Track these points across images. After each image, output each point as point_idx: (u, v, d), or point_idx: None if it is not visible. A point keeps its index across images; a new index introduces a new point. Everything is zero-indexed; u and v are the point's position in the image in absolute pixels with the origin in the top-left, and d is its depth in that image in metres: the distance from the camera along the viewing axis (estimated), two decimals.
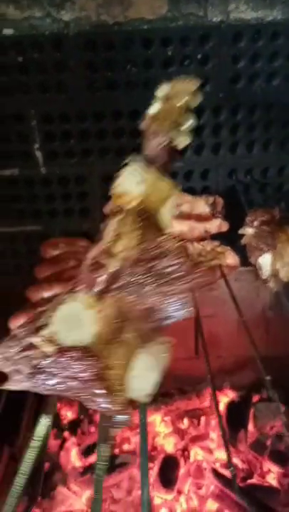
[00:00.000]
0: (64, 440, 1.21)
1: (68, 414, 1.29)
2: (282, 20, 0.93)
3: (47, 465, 1.16)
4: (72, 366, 0.55)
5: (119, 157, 1.04)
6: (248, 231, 0.79)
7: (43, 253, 1.02)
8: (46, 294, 0.84)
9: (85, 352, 0.56)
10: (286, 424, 0.59)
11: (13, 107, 0.97)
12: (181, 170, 1.06)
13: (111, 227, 0.67)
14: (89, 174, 1.05)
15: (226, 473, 1.11)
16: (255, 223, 0.79)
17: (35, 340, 0.57)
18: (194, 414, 1.27)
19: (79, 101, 0.96)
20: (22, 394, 1.23)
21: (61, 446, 1.20)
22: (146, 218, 0.69)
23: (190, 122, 0.76)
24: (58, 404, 1.31)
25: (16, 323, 0.75)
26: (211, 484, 1.09)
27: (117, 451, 1.19)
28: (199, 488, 1.11)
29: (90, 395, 0.56)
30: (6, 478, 1.07)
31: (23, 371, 0.59)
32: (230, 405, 1.28)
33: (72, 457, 1.17)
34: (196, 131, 1.02)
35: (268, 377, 0.62)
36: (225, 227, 0.92)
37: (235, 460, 1.16)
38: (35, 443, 0.60)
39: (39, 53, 0.91)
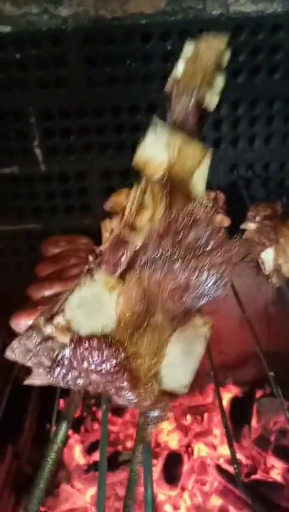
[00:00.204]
0: (67, 438, 1.21)
1: None
2: (282, 13, 0.92)
3: None
4: (91, 357, 0.49)
5: (119, 152, 1.04)
6: (250, 226, 0.79)
7: (44, 251, 1.02)
8: (47, 293, 0.84)
9: (105, 340, 0.50)
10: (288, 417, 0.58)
11: (12, 104, 0.96)
12: None
13: (134, 198, 0.59)
14: (89, 170, 1.05)
15: (230, 469, 1.11)
16: (258, 218, 0.79)
17: (48, 329, 0.51)
18: (197, 411, 1.27)
19: (78, 97, 0.95)
20: (25, 392, 1.23)
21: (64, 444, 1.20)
22: (175, 187, 0.61)
23: (220, 80, 0.69)
24: (61, 401, 1.31)
25: (17, 321, 0.74)
26: (214, 480, 1.09)
27: (120, 448, 1.19)
28: (203, 484, 1.11)
29: (115, 389, 0.50)
30: (9, 477, 1.07)
31: (45, 364, 0.53)
32: (234, 401, 1.27)
33: (76, 455, 1.17)
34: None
35: (271, 373, 0.61)
36: (227, 222, 0.92)
37: (239, 456, 1.16)
38: (55, 446, 0.58)
39: (37, 50, 0.91)
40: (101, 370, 0.49)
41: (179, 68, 0.70)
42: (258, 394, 1.27)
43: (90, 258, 0.87)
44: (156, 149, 0.64)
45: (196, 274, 0.53)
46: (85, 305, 0.51)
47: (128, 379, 0.49)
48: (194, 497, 1.08)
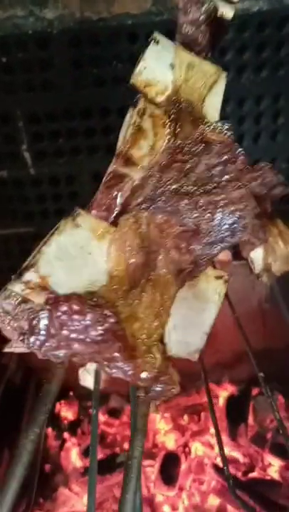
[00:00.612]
0: (64, 441, 1.21)
1: (68, 415, 1.29)
2: (268, 11, 0.92)
3: (47, 466, 1.16)
4: (71, 323, 0.38)
5: (109, 154, 1.03)
6: None
7: None
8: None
9: (88, 300, 0.39)
10: (279, 422, 0.58)
11: None
12: None
13: (129, 119, 0.47)
14: (79, 173, 1.04)
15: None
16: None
17: (16, 287, 0.40)
18: (194, 410, 1.27)
19: (65, 99, 0.95)
20: (20, 393, 1.22)
21: (61, 447, 1.20)
22: (181, 113, 0.49)
23: None
24: (58, 405, 1.31)
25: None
26: (212, 480, 1.09)
27: (117, 450, 1.19)
28: (201, 483, 1.11)
29: (105, 360, 0.40)
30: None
31: (25, 328, 0.43)
32: (230, 399, 1.27)
33: (73, 458, 1.17)
34: None
35: (261, 374, 0.61)
36: None
37: (236, 454, 1.16)
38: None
39: (23, 53, 0.90)
40: (85, 338, 0.38)
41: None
42: (254, 392, 1.27)
43: None
44: (160, 68, 0.53)
45: (208, 214, 0.42)
46: (65, 257, 0.41)
47: (121, 348, 0.39)
48: (192, 497, 1.08)
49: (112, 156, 1.02)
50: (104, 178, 0.49)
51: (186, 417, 1.26)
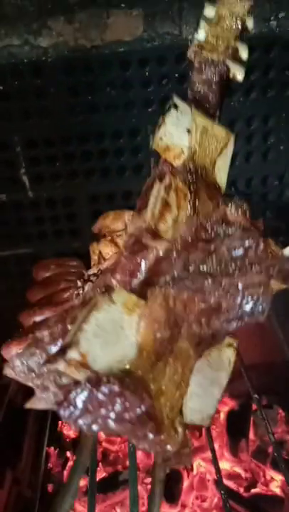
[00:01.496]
0: (67, 459, 1.21)
1: (70, 433, 1.29)
2: (256, 35, 0.95)
3: (50, 486, 1.16)
4: (110, 404, 0.39)
5: (105, 177, 1.07)
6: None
7: (35, 275, 1.03)
8: (38, 318, 0.85)
9: (128, 383, 0.39)
10: (275, 444, 0.59)
11: None
12: None
13: (157, 194, 0.48)
14: (76, 195, 1.07)
15: (229, 484, 1.11)
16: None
17: (61, 365, 0.40)
18: (195, 426, 1.27)
19: (61, 125, 0.98)
20: (22, 414, 1.23)
21: (64, 466, 1.20)
22: (198, 178, 0.52)
23: (244, 50, 0.62)
24: (60, 423, 1.31)
25: (8, 351, 0.75)
26: (214, 496, 1.09)
27: (120, 467, 1.19)
28: (203, 500, 1.11)
29: (138, 438, 0.40)
30: (9, 502, 1.07)
31: (50, 388, 0.44)
32: (230, 414, 1.28)
33: None
34: None
35: (256, 396, 0.62)
36: None
37: (238, 469, 1.16)
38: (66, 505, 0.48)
39: (19, 81, 0.93)
40: (122, 418, 0.39)
41: (201, 33, 0.62)
42: (255, 406, 1.27)
43: (79, 283, 0.88)
44: (177, 133, 0.56)
45: (229, 295, 0.44)
46: (101, 333, 0.41)
47: (153, 428, 0.39)
48: None
49: (108, 179, 1.05)
50: (126, 241, 0.49)
51: (187, 432, 1.26)
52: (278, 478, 1.14)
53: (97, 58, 0.93)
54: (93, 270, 0.92)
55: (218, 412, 1.29)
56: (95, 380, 0.39)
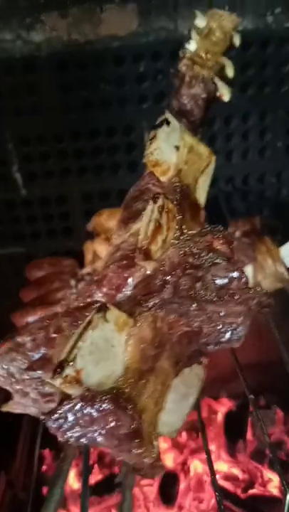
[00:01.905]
0: (63, 496, 1.20)
1: None
2: (252, 30, 0.93)
3: (45, 489, 1.15)
4: (103, 422, 0.39)
5: (98, 175, 1.05)
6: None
7: (28, 275, 1.02)
8: (31, 319, 0.83)
9: (122, 401, 0.40)
10: (270, 446, 0.57)
11: None
12: None
13: (150, 214, 0.49)
14: (69, 194, 1.05)
15: (226, 485, 1.10)
16: (237, 234, 0.79)
17: (57, 382, 0.41)
18: (192, 427, 1.26)
19: (55, 121, 0.96)
20: (16, 417, 1.21)
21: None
22: (184, 197, 0.54)
23: (231, 65, 0.64)
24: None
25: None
26: (211, 498, 1.08)
27: (116, 469, 1.18)
28: (200, 502, 1.09)
29: (122, 452, 0.41)
30: (3, 505, 1.05)
31: (31, 396, 0.46)
32: (228, 415, 1.27)
33: (71, 479, 1.16)
34: None
35: (251, 396, 0.60)
36: None
37: (236, 471, 1.15)
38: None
39: (12, 76, 0.91)
40: (112, 435, 0.40)
41: (192, 44, 0.64)
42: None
43: (73, 282, 0.87)
44: (166, 150, 0.57)
45: (212, 322, 0.46)
46: (95, 351, 0.42)
47: (138, 444, 0.41)
48: None
49: (102, 177, 1.03)
50: (113, 253, 0.50)
51: (184, 434, 1.25)
52: (276, 479, 1.13)
53: (91, 53, 0.91)
54: (87, 269, 0.90)
55: (215, 412, 1.28)
56: (90, 398, 0.39)
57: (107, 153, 1.01)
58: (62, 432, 0.41)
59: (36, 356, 0.46)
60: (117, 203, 1.05)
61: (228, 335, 0.46)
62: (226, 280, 0.47)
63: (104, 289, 0.48)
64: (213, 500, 1.08)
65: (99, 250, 0.93)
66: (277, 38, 0.95)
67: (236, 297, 0.46)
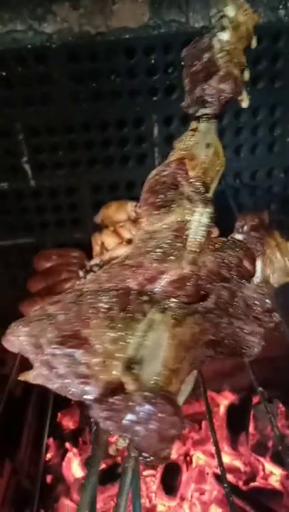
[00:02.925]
0: (66, 451, 1.21)
1: (69, 424, 1.29)
2: (264, 24, 0.93)
3: (49, 477, 1.16)
4: (147, 422, 0.40)
5: (108, 167, 1.05)
6: (238, 237, 0.79)
7: (36, 265, 1.02)
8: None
9: (172, 400, 0.41)
10: (279, 437, 0.58)
11: None
12: None
13: (204, 223, 0.52)
14: (78, 185, 1.06)
15: (228, 477, 1.11)
16: (245, 228, 0.79)
17: (130, 386, 0.41)
18: (194, 419, 1.27)
19: (65, 113, 0.96)
20: (21, 406, 1.22)
21: (63, 457, 1.20)
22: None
23: (248, 69, 0.66)
24: (59, 414, 1.31)
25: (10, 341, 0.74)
26: (213, 489, 1.09)
27: (119, 459, 1.19)
28: (202, 493, 1.10)
29: (147, 446, 0.42)
30: (8, 493, 1.07)
31: (58, 371, 0.44)
32: (230, 408, 1.27)
33: (74, 468, 1.17)
34: None
35: (260, 389, 0.61)
36: (215, 232, 0.92)
37: (237, 463, 1.16)
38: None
39: (23, 67, 0.91)
40: (159, 433, 0.41)
41: (226, 35, 0.65)
42: (255, 400, 1.27)
43: (81, 273, 0.88)
44: (200, 145, 0.59)
45: (235, 336, 0.49)
46: (152, 349, 0.43)
47: (169, 446, 0.43)
48: (194, 507, 1.08)
49: (111, 169, 1.04)
50: (145, 240, 0.53)
51: (186, 425, 1.26)
52: (277, 472, 1.13)
53: (102, 45, 0.91)
54: (95, 261, 0.91)
55: (218, 405, 1.29)
56: (145, 397, 0.40)
57: (116, 145, 1.01)
58: (109, 422, 0.42)
59: (68, 332, 0.45)
60: (125, 195, 1.06)
61: (244, 351, 0.49)
62: (254, 301, 0.50)
63: (140, 278, 0.48)
64: (216, 492, 1.09)
65: (107, 242, 0.93)
66: None
67: (260, 318, 0.49)
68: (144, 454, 0.43)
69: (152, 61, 0.93)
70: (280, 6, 0.94)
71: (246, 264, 0.52)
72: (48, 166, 1.02)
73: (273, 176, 1.09)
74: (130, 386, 0.41)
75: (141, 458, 0.43)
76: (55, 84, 0.93)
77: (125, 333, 0.44)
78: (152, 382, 0.42)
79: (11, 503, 1.05)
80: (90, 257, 0.98)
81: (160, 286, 0.48)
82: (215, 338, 0.48)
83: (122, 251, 0.89)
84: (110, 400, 0.41)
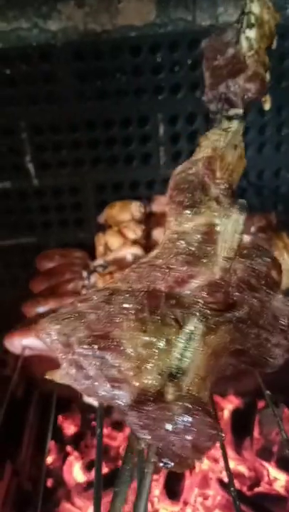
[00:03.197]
0: (67, 454, 1.20)
1: (71, 428, 1.28)
2: None
3: (50, 481, 1.14)
4: (193, 431, 0.40)
5: (112, 166, 1.04)
6: (245, 238, 0.78)
7: (39, 266, 1.01)
8: (41, 309, 0.83)
9: (210, 412, 0.41)
10: (286, 441, 0.57)
11: (3, 120, 0.96)
12: None
13: (240, 230, 0.52)
14: (82, 184, 1.04)
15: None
16: (252, 229, 0.78)
17: (169, 395, 0.41)
18: None
19: (69, 111, 0.95)
20: (23, 407, 1.21)
21: (64, 461, 1.18)
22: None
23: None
24: (60, 417, 1.30)
25: (11, 341, 0.73)
26: (217, 494, 1.07)
27: (120, 463, 1.17)
28: (206, 498, 1.09)
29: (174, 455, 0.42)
30: (9, 494, 1.05)
31: (89, 373, 0.44)
32: (235, 412, 1.26)
33: (76, 472, 1.16)
34: (189, 138, 1.01)
35: (268, 392, 0.60)
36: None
37: (242, 468, 1.14)
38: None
39: (27, 65, 0.91)
40: (191, 441, 0.41)
41: (253, 33, 0.63)
42: (260, 405, 1.25)
43: (84, 273, 0.86)
44: (229, 147, 0.59)
45: (261, 347, 0.49)
46: (192, 360, 0.44)
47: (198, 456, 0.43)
48: None
49: (115, 168, 1.03)
50: (173, 240, 0.51)
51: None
52: (282, 477, 1.11)
53: (107, 43, 0.90)
54: (99, 261, 0.90)
55: (222, 409, 1.27)
56: (186, 409, 0.40)
57: (121, 144, 1.00)
58: (145, 430, 0.41)
59: (99, 332, 0.45)
60: (129, 195, 1.05)
61: (268, 362, 0.49)
62: (282, 313, 0.49)
63: (169, 281, 0.48)
64: (219, 497, 1.07)
65: (111, 242, 0.92)
66: None
67: (286, 331, 0.49)
68: (165, 460, 0.42)
69: (158, 59, 0.92)
70: (287, 6, 0.93)
71: (274, 274, 0.51)
72: (52, 165, 1.01)
73: (280, 176, 1.08)
74: (170, 396, 0.41)
75: (161, 464, 0.43)
76: (60, 82, 0.92)
77: (158, 338, 0.43)
78: (188, 390, 0.41)
79: (12, 505, 1.04)
80: (93, 257, 0.97)
81: (189, 290, 0.47)
82: (242, 348, 0.47)
83: (126, 251, 0.88)
84: (147, 407, 0.41)
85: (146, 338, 0.43)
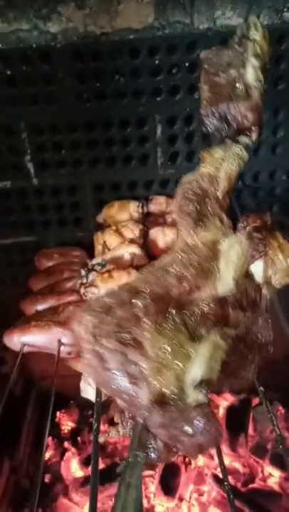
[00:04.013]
0: (64, 450, 1.21)
1: (68, 424, 1.29)
2: (268, 26, 0.93)
3: (48, 476, 1.16)
4: (206, 435, 0.44)
5: (110, 166, 1.05)
6: (240, 237, 0.79)
7: (38, 264, 1.03)
8: (40, 307, 0.85)
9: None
10: (280, 437, 0.58)
11: (3, 120, 0.97)
12: (172, 177, 1.06)
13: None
14: (81, 184, 1.06)
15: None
16: (247, 229, 0.79)
17: (189, 398, 0.45)
18: None
19: (68, 112, 0.96)
20: (21, 405, 1.22)
21: (61, 457, 1.20)
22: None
23: None
24: (58, 413, 1.31)
25: (10, 338, 0.75)
26: (212, 490, 1.09)
27: (117, 459, 1.19)
28: (201, 494, 1.10)
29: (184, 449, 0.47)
30: (6, 491, 1.07)
31: (110, 364, 0.47)
32: (230, 410, 1.27)
33: (73, 467, 1.17)
34: (186, 139, 1.02)
35: (261, 388, 0.61)
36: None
37: (236, 465, 1.16)
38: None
39: (27, 66, 0.92)
40: (199, 442, 0.45)
41: (257, 63, 0.67)
42: (255, 402, 1.27)
43: (83, 272, 0.88)
44: (234, 170, 0.66)
45: (241, 361, 0.54)
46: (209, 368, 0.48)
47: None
48: (192, 507, 1.08)
49: (114, 168, 1.04)
50: (185, 251, 0.60)
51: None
52: (276, 473, 1.13)
53: (106, 45, 0.91)
54: (97, 260, 0.91)
55: (217, 407, 1.29)
56: (206, 414, 0.45)
57: (119, 145, 1.01)
58: (161, 429, 0.45)
59: (125, 329, 0.48)
60: (128, 195, 1.06)
61: (241, 375, 0.54)
62: (261, 332, 0.56)
63: (182, 289, 0.53)
64: (214, 493, 1.09)
65: (109, 241, 0.94)
66: None
67: (261, 348, 0.56)
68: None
69: (156, 62, 0.93)
70: (285, 9, 0.94)
71: (257, 297, 0.58)
72: (51, 164, 1.02)
73: (276, 177, 1.09)
74: (190, 400, 0.44)
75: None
76: (60, 83, 0.93)
77: (175, 343, 0.47)
78: (205, 395, 0.46)
79: (10, 501, 1.05)
80: (91, 256, 0.98)
81: (198, 299, 0.52)
82: (226, 360, 0.51)
83: (124, 250, 0.89)
84: (169, 409, 0.44)
85: (166, 342, 0.47)
